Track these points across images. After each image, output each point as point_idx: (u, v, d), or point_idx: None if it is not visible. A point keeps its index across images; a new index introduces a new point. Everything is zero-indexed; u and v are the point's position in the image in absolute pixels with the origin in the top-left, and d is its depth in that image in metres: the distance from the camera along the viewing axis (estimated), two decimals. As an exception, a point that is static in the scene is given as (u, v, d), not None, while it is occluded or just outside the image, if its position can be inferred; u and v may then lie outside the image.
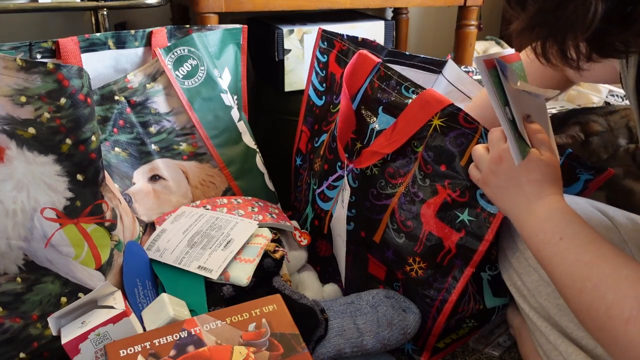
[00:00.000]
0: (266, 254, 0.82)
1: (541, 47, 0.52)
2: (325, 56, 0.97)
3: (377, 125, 0.83)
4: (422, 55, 0.98)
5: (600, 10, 0.45)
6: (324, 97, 0.98)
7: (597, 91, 1.24)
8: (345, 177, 0.85)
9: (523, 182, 0.63)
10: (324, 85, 0.98)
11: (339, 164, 0.89)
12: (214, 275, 0.78)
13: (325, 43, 0.97)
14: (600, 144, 1.07)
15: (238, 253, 0.81)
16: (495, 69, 0.62)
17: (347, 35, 0.95)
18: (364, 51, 0.87)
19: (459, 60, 1.41)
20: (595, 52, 0.49)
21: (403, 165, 0.80)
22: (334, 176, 0.89)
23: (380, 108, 0.83)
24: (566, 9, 0.46)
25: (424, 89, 0.78)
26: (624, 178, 1.02)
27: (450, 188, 0.74)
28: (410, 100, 0.79)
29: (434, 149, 0.75)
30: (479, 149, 0.69)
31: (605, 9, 0.45)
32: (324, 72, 0.98)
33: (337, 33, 0.95)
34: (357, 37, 0.95)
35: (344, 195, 0.86)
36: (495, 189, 0.66)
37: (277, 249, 0.84)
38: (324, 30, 0.97)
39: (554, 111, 1.17)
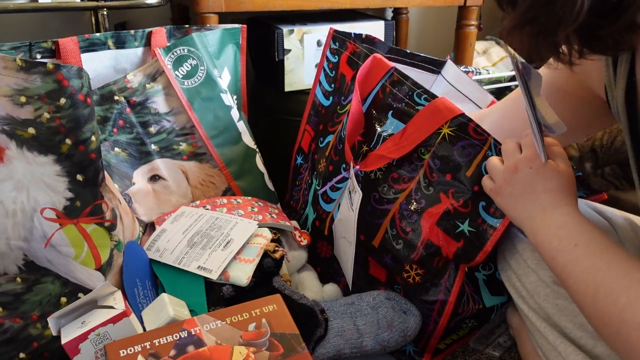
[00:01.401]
0: (266, 254, 0.82)
1: (533, 45, 0.52)
2: (336, 57, 0.97)
3: (385, 130, 0.83)
4: (422, 54, 0.98)
5: (587, 3, 0.45)
6: (331, 98, 0.98)
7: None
8: (354, 179, 0.85)
9: (539, 191, 0.63)
10: (333, 85, 0.98)
11: (344, 165, 0.89)
12: (214, 276, 0.78)
13: (337, 44, 0.96)
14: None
15: (238, 253, 0.81)
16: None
17: (354, 34, 0.94)
18: (379, 55, 0.87)
19: (459, 60, 1.41)
20: (585, 46, 0.50)
21: (408, 172, 0.79)
22: (338, 177, 0.89)
23: (390, 113, 0.82)
24: (555, 4, 0.47)
25: (436, 96, 0.78)
26: (607, 190, 1.04)
27: (454, 198, 0.74)
28: (421, 107, 0.78)
29: (441, 158, 0.75)
30: (493, 160, 0.69)
31: (592, 1, 0.45)
32: (334, 72, 0.97)
33: (348, 33, 0.95)
34: (361, 35, 0.94)
35: (354, 197, 0.86)
36: (508, 198, 0.66)
37: (277, 248, 0.84)
38: (335, 31, 0.97)
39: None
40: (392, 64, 0.85)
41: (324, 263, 0.96)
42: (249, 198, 1.01)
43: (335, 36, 0.97)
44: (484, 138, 0.72)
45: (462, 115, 0.73)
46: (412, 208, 0.78)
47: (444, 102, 0.76)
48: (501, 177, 0.67)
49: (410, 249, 0.78)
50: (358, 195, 0.84)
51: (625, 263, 0.53)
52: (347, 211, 0.87)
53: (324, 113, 0.99)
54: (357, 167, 0.84)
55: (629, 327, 0.49)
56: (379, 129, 0.84)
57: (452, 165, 0.74)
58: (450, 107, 0.75)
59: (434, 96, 0.78)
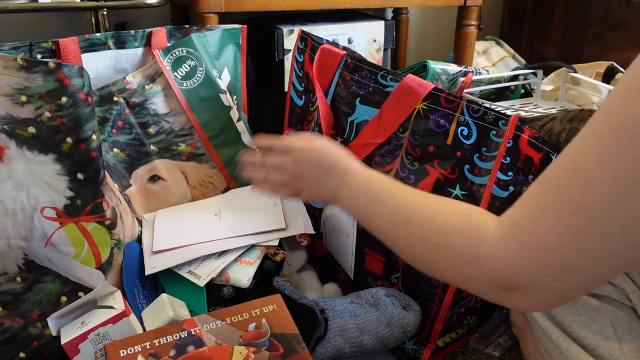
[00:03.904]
0: (266, 257, 0.82)
1: None
2: (301, 56, 0.97)
3: (356, 118, 0.84)
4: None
5: None
6: (303, 97, 0.99)
7: (597, 91, 1.24)
8: None
9: (320, 175, 0.67)
10: (303, 85, 0.99)
11: None
12: (201, 283, 0.78)
13: (302, 43, 0.97)
14: None
15: (239, 255, 0.81)
16: None
17: (326, 40, 0.95)
18: (326, 45, 0.88)
19: (459, 60, 1.42)
20: None
21: (389, 152, 0.81)
22: None
23: (358, 100, 0.84)
24: None
25: (402, 75, 0.79)
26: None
27: (441, 167, 0.76)
28: (390, 89, 0.80)
29: (420, 133, 0.77)
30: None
31: None
32: (302, 72, 0.98)
33: (314, 35, 0.96)
34: (331, 42, 0.94)
35: None
36: (307, 191, 0.69)
37: (277, 251, 0.84)
38: (303, 31, 0.98)
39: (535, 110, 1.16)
40: (343, 51, 0.85)
41: (322, 262, 0.97)
42: (249, 198, 1.00)
43: (302, 36, 0.97)
44: (455, 105, 0.74)
45: (435, 88, 0.76)
46: None
47: (414, 80, 0.77)
48: (285, 179, 0.70)
49: None
50: None
51: (424, 194, 0.58)
52: None
53: (300, 113, 1.00)
54: None
55: (450, 235, 0.50)
56: (349, 118, 0.85)
57: (432, 137, 0.76)
58: (421, 83, 0.77)
59: (399, 75, 0.79)
